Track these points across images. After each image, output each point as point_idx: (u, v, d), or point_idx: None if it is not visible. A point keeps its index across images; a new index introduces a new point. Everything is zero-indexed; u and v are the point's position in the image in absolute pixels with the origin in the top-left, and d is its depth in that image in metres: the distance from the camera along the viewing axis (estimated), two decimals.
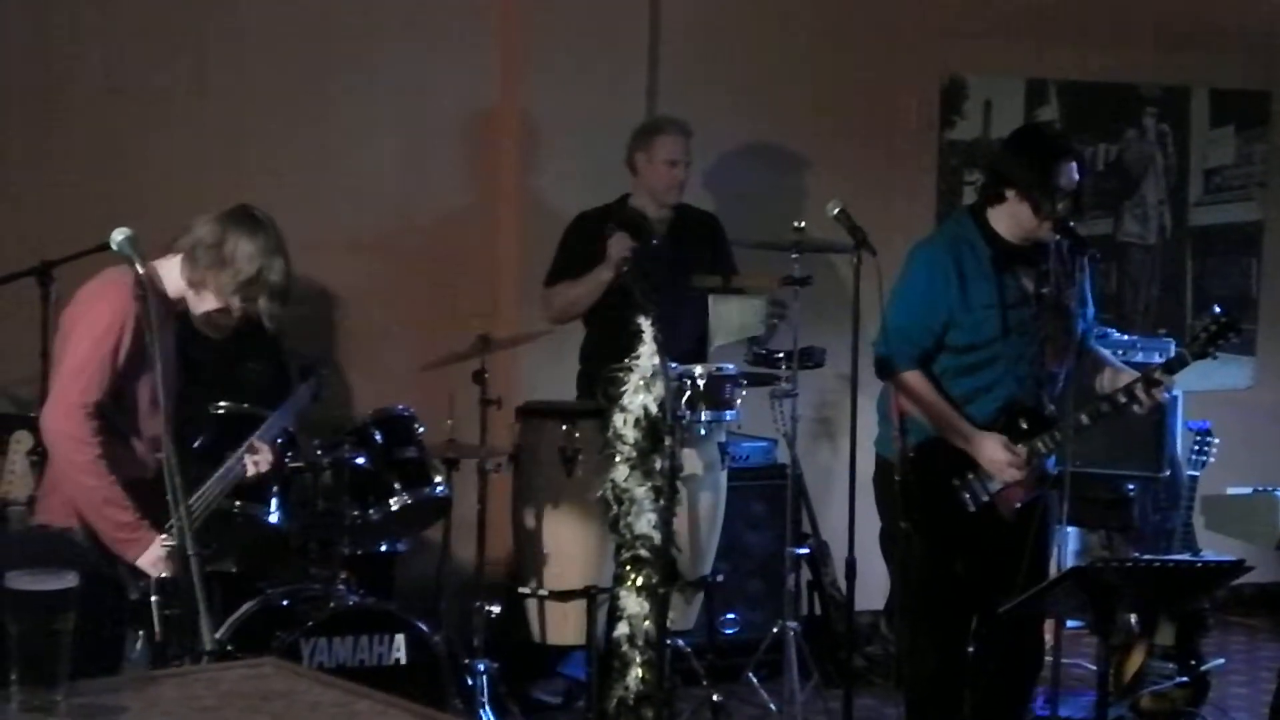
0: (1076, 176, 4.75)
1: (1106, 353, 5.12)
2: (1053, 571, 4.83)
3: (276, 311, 4.13)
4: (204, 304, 4.11)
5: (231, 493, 4.48)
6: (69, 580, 2.45)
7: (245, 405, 4.91)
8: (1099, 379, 4.89)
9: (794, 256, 5.68)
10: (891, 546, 4.97)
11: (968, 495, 4.78)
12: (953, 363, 4.81)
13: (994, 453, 4.74)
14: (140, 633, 3.96)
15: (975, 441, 4.75)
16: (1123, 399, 4.73)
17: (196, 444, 4.71)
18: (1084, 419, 4.73)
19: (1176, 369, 4.77)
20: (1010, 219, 4.77)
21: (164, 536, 3.98)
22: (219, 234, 4.06)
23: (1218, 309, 4.83)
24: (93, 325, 3.96)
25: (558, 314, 6.06)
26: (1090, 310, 4.98)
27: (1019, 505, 4.79)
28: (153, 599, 3.92)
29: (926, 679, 4.96)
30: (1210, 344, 4.70)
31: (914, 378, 4.78)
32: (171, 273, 4.08)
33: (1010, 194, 4.74)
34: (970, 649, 4.96)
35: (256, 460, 4.39)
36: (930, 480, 4.78)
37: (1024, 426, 4.78)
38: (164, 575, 3.98)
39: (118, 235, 3.80)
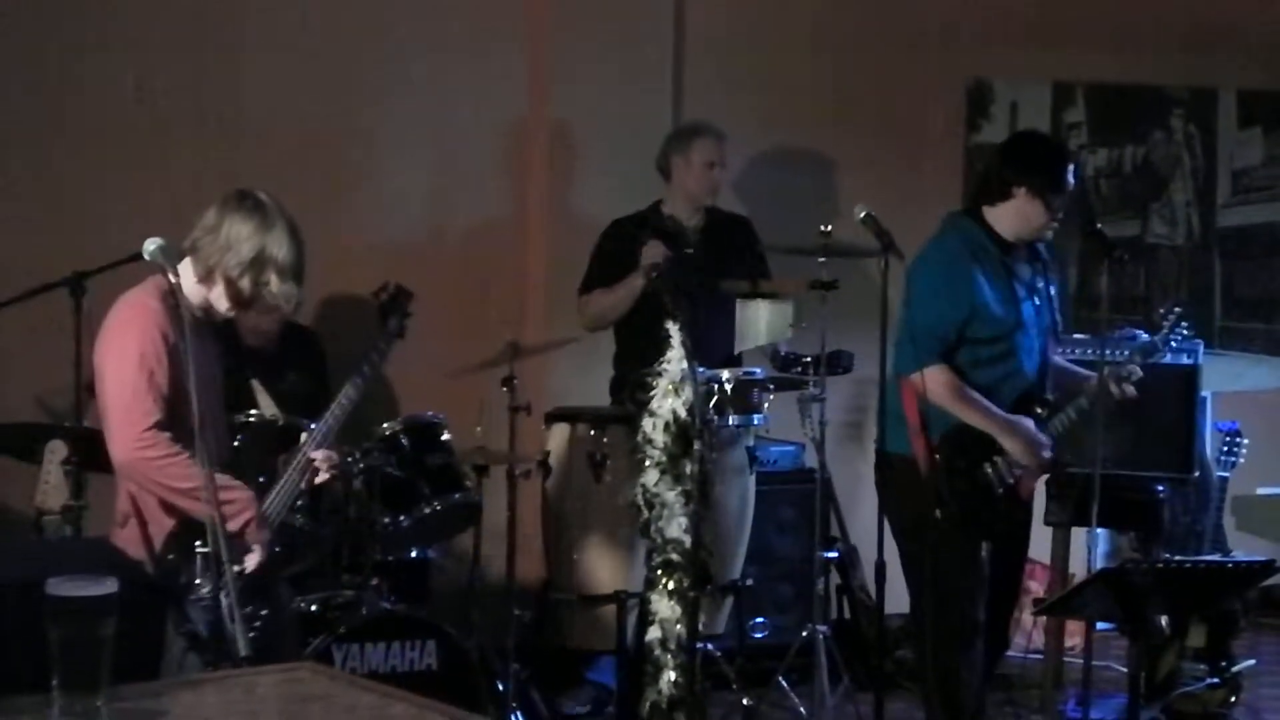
0: (1073, 180, 5.01)
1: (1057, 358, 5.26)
2: (1082, 573, 4.85)
3: (292, 293, 4.04)
4: (220, 300, 4.07)
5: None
6: (109, 586, 2.47)
7: (271, 414, 4.92)
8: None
9: (821, 261, 5.69)
10: (908, 543, 4.98)
11: (995, 478, 4.88)
12: (972, 356, 4.92)
13: (1032, 431, 4.87)
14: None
15: (1012, 424, 4.87)
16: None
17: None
18: (1084, 403, 4.96)
19: (1148, 357, 5.09)
20: (1016, 216, 4.93)
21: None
22: (216, 220, 4.03)
23: (1178, 307, 5.13)
24: (126, 359, 3.95)
25: (592, 321, 6.06)
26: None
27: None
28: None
29: (947, 676, 4.96)
30: (1169, 334, 5.05)
31: (943, 371, 4.85)
32: (187, 276, 4.02)
33: (1020, 192, 4.91)
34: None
35: (321, 461, 4.36)
36: (958, 468, 4.87)
37: (1039, 412, 4.95)
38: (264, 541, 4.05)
39: (150, 244, 3.81)
